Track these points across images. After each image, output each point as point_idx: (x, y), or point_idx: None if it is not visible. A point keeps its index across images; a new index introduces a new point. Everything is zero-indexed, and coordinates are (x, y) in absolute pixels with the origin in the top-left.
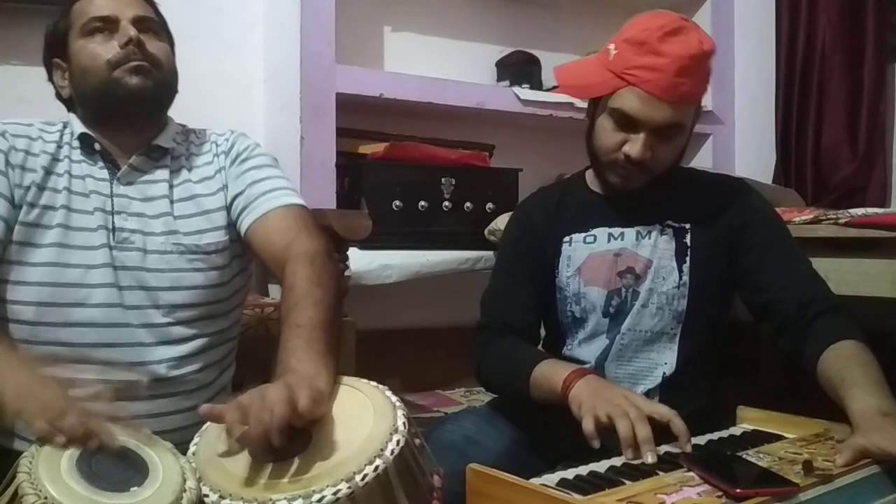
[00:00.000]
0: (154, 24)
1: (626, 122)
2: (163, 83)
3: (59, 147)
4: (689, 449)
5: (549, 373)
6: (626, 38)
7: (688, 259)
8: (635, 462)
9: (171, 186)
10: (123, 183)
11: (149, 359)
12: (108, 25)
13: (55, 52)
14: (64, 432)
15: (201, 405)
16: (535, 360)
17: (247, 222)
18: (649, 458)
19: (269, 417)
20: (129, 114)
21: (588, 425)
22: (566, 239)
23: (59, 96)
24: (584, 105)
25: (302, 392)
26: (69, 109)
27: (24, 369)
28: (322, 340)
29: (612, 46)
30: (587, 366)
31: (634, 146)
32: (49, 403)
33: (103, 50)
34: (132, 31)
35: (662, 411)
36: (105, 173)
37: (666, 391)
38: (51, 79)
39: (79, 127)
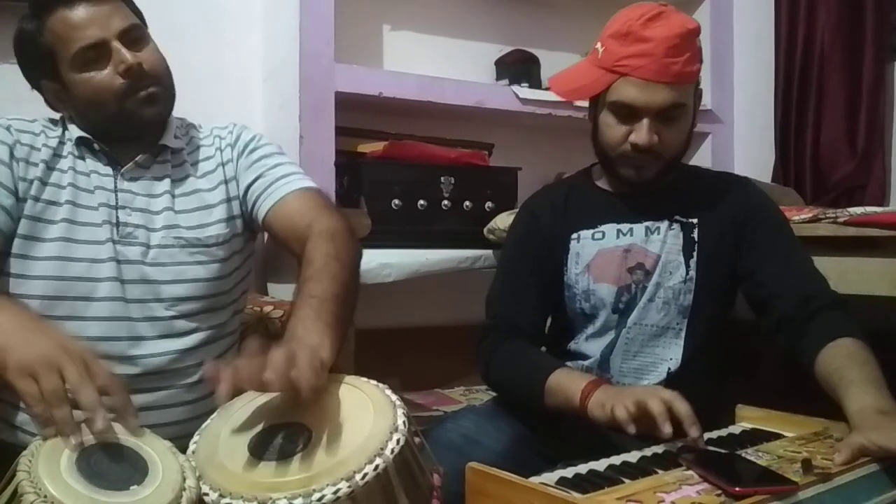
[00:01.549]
0: (138, 31)
1: (627, 113)
2: (170, 97)
3: (62, 143)
4: (695, 433)
5: (565, 383)
6: (611, 34)
7: (695, 254)
8: (669, 446)
9: (172, 181)
10: (127, 178)
11: (150, 352)
12: (99, 52)
13: (42, 73)
14: (55, 423)
15: (204, 408)
16: (547, 368)
17: (265, 207)
18: (694, 432)
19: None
20: (141, 136)
21: (621, 413)
22: (574, 236)
23: (51, 107)
24: (584, 103)
25: (302, 353)
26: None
27: (19, 315)
28: (332, 313)
29: (598, 45)
30: (592, 359)
31: (640, 134)
32: (43, 354)
33: (106, 79)
34: (129, 57)
35: (666, 396)
36: (108, 169)
37: (670, 387)
38: (33, 85)
39: (76, 132)
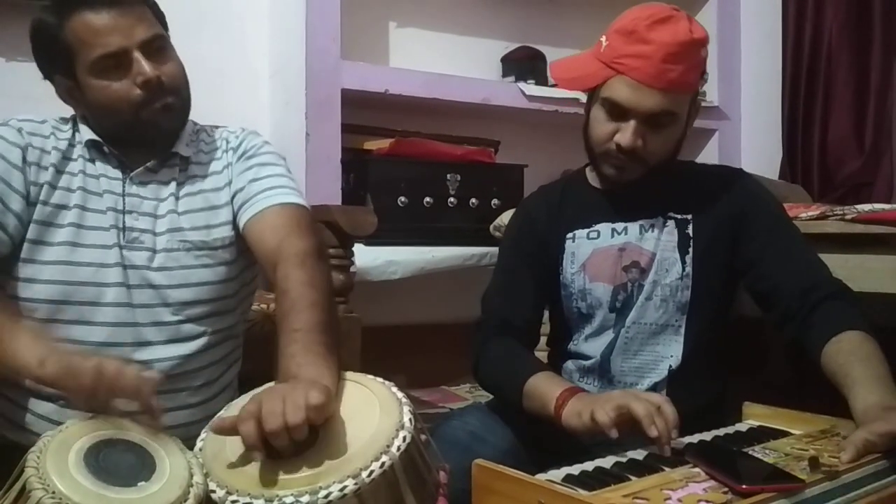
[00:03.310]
0: (161, 41)
1: (617, 111)
2: (186, 109)
3: (72, 146)
4: (674, 436)
5: (542, 389)
6: (617, 29)
7: (690, 250)
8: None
9: (178, 184)
10: (136, 182)
11: (156, 357)
12: (119, 60)
13: (57, 69)
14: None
15: (210, 410)
16: (528, 371)
17: (244, 219)
18: (666, 451)
19: (283, 420)
20: (153, 144)
21: (603, 416)
22: (569, 235)
23: (63, 100)
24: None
25: (312, 392)
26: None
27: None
28: (320, 343)
29: (603, 38)
30: (592, 360)
31: (624, 134)
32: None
33: (123, 89)
34: (149, 70)
35: (655, 399)
36: (118, 172)
37: (672, 385)
38: (46, 77)
39: (88, 134)
